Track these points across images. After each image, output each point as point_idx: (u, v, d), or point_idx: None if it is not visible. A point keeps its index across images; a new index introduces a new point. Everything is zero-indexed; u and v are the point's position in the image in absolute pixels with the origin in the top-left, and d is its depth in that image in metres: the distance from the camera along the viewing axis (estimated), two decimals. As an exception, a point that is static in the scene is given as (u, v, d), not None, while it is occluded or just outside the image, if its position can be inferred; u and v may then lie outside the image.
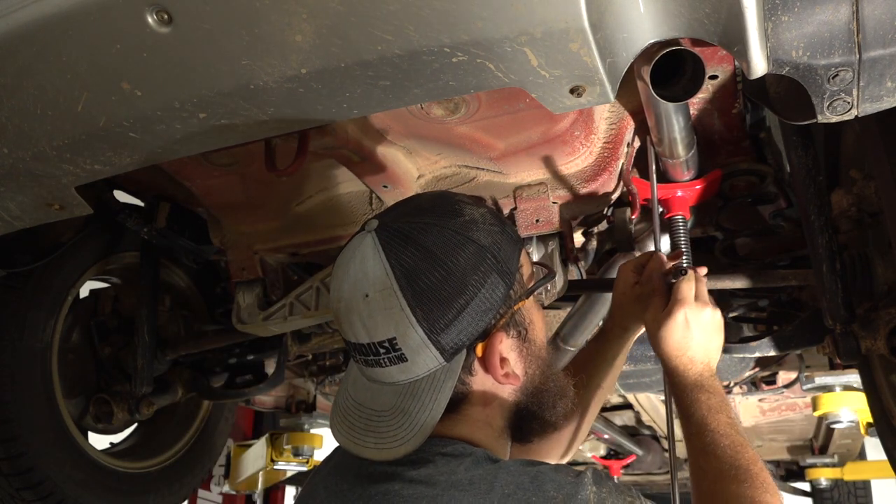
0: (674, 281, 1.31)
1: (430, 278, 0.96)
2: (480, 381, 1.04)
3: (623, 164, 1.60)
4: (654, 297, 1.32)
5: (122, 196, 2.03)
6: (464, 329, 0.98)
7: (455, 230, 1.00)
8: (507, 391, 1.06)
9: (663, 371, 1.27)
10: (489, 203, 1.09)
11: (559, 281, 1.61)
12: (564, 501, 0.90)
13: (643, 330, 1.47)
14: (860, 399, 3.24)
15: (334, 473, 1.08)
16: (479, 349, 1.01)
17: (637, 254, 1.82)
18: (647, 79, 1.08)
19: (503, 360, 1.03)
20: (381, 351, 0.99)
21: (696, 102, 1.50)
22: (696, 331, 1.23)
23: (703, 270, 1.50)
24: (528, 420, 1.09)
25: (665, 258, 1.43)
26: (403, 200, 1.11)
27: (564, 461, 1.47)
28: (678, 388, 1.22)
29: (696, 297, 1.26)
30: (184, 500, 2.55)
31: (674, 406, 1.26)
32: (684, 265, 1.36)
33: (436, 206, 1.05)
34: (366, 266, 0.99)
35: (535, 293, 1.11)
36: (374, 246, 0.99)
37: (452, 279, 0.97)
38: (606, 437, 4.42)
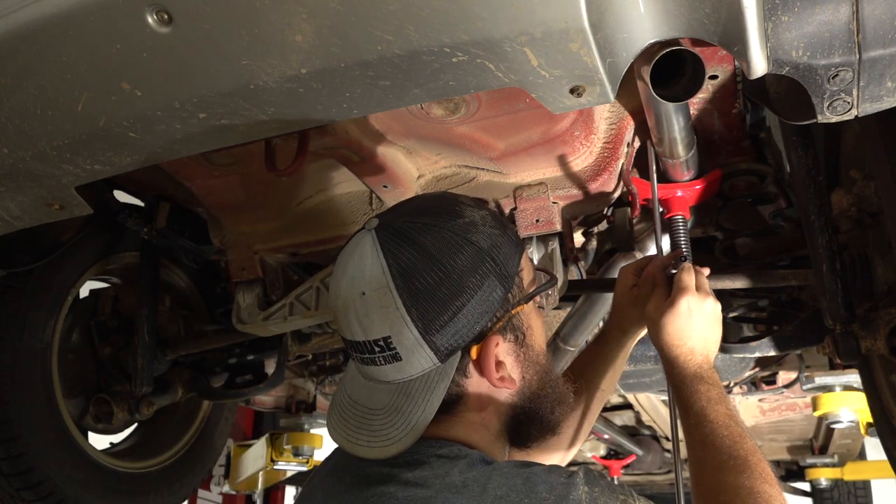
0: (674, 272, 1.32)
1: (426, 279, 0.96)
2: (476, 383, 1.03)
3: (623, 164, 1.60)
4: (655, 289, 1.32)
5: (122, 196, 2.03)
6: (459, 331, 0.98)
7: (454, 231, 1.00)
8: (504, 395, 1.06)
9: (662, 362, 1.27)
10: (492, 206, 1.08)
11: (559, 283, 1.61)
12: (556, 502, 0.89)
13: (643, 333, 1.47)
14: (860, 399, 3.24)
15: (332, 475, 1.08)
16: (474, 352, 1.01)
17: (637, 254, 1.82)
18: (647, 79, 1.08)
19: (499, 364, 1.02)
20: (377, 349, 0.99)
21: (696, 102, 1.50)
22: (698, 320, 1.23)
23: (706, 271, 1.51)
24: (526, 425, 1.09)
25: (662, 259, 1.43)
26: (405, 200, 1.11)
27: (564, 462, 1.47)
28: (678, 379, 1.21)
29: (698, 288, 1.27)
30: (184, 500, 2.55)
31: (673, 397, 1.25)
32: (684, 256, 1.36)
33: (436, 207, 1.05)
34: (364, 264, 0.99)
35: (536, 299, 1.11)
36: (372, 244, 0.99)
37: (449, 280, 0.97)
38: (606, 437, 4.42)
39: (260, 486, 4.51)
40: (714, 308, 1.26)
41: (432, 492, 0.92)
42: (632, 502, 0.93)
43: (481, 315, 0.99)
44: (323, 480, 1.09)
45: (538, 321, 1.11)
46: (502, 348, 1.03)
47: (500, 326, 1.02)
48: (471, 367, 1.02)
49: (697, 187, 1.63)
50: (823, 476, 5.30)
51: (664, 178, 1.61)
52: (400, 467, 0.97)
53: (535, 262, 1.61)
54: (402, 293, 0.96)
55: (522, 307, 1.05)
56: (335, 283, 1.04)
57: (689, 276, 1.28)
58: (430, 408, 0.98)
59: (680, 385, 1.20)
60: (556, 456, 1.44)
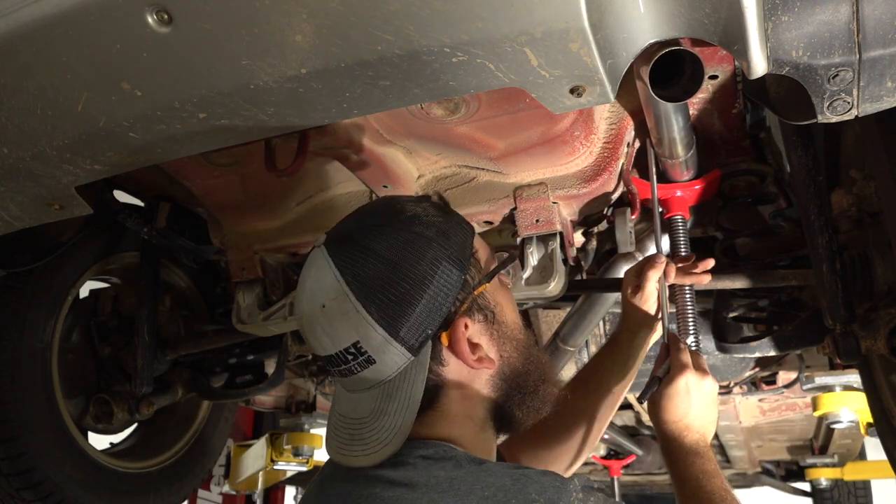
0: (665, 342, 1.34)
1: (379, 277, 0.98)
2: (454, 370, 1.04)
3: (623, 164, 1.60)
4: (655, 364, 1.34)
5: (122, 196, 2.03)
6: (423, 321, 0.99)
7: (398, 228, 1.02)
8: (484, 377, 1.07)
9: (658, 438, 1.27)
10: (434, 198, 1.11)
11: (555, 279, 1.61)
12: None
13: (654, 336, 1.48)
14: (860, 399, 3.24)
15: (322, 484, 1.10)
16: (444, 338, 1.02)
17: (637, 255, 1.83)
18: (647, 79, 1.09)
19: (474, 346, 1.04)
20: (350, 357, 1.01)
21: (695, 102, 1.50)
22: (697, 398, 1.25)
23: (710, 263, 1.51)
24: (510, 407, 1.09)
25: (663, 260, 1.44)
26: (349, 214, 1.13)
27: (575, 467, 1.47)
28: (674, 454, 1.22)
29: (696, 367, 1.28)
30: (184, 500, 2.55)
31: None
32: (665, 336, 1.38)
33: (376, 210, 1.08)
34: (320, 278, 1.02)
35: (500, 276, 1.12)
36: (324, 258, 1.02)
37: (402, 274, 0.98)
38: (606, 437, 4.42)
39: (260, 486, 4.51)
40: (712, 388, 1.27)
41: (418, 493, 0.92)
42: None
43: (442, 301, 1.00)
44: (315, 494, 1.11)
45: (506, 297, 1.13)
46: (474, 329, 1.04)
47: (465, 309, 1.03)
48: (444, 353, 1.03)
49: (697, 187, 1.63)
50: (823, 476, 5.29)
51: (664, 178, 1.61)
52: (385, 468, 0.99)
53: (536, 262, 1.61)
54: (359, 296, 0.98)
55: (486, 286, 1.06)
56: (298, 303, 1.07)
57: (685, 356, 1.30)
58: (413, 403, 0.99)
59: (676, 458, 1.21)
60: (564, 458, 1.44)
